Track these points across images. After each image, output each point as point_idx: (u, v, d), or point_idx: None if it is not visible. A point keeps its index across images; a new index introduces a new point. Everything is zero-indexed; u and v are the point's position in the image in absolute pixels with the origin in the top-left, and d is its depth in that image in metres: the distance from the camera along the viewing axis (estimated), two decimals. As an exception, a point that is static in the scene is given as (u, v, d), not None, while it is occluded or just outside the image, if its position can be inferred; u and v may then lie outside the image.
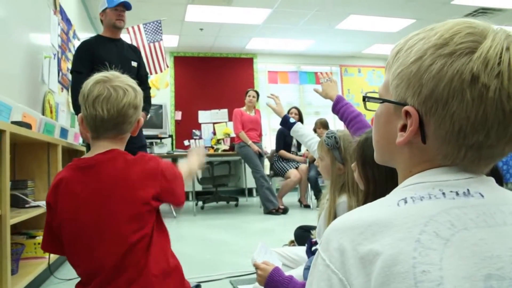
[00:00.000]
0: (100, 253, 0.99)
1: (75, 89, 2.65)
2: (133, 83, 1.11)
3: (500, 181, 0.69)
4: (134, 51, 3.02)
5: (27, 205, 1.88)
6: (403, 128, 0.50)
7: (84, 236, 0.99)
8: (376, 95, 0.56)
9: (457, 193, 0.46)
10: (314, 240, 1.54)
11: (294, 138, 4.66)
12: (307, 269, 1.37)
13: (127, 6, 2.78)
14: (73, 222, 1.00)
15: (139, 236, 1.00)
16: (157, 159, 1.11)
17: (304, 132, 1.97)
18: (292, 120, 2.03)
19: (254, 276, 1.35)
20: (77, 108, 2.63)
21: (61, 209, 1.01)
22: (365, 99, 0.57)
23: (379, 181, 0.96)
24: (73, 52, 3.22)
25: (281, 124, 2.07)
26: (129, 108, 1.06)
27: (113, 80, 1.06)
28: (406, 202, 0.46)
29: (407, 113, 0.49)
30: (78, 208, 1.00)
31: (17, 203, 1.86)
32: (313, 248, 1.53)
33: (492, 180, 0.50)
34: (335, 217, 1.37)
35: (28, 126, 1.83)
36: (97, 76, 1.07)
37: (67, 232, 1.00)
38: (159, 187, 1.05)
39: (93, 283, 0.99)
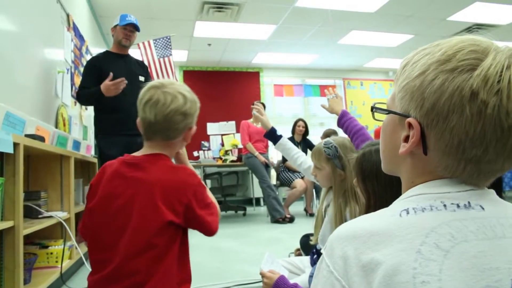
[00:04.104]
0: (117, 245, 1.00)
1: (80, 95, 2.80)
2: (186, 91, 1.11)
3: (500, 187, 0.70)
4: (141, 66, 3.09)
5: (40, 216, 1.91)
6: (406, 139, 0.51)
7: (110, 225, 1.01)
8: (385, 106, 0.57)
9: (458, 206, 0.47)
10: (319, 249, 1.56)
11: (300, 149, 4.68)
12: (312, 276, 1.40)
13: (136, 27, 2.86)
14: (104, 210, 1.03)
15: (156, 243, 0.99)
16: (196, 176, 1.09)
17: (291, 146, 1.96)
18: (279, 133, 1.99)
19: (262, 284, 1.38)
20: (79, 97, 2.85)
21: (99, 195, 1.04)
22: (373, 109, 0.59)
23: (379, 193, 0.99)
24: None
25: (265, 135, 2.00)
26: (175, 114, 1.06)
27: (166, 86, 1.08)
28: (408, 213, 0.47)
29: (410, 125, 0.50)
30: (111, 200, 1.03)
31: (30, 213, 1.89)
32: (315, 257, 1.56)
33: (492, 192, 0.50)
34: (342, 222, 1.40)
35: (41, 139, 1.87)
36: (153, 81, 1.10)
37: (96, 217, 1.03)
38: (183, 210, 1.02)
39: (102, 273, 0.99)
